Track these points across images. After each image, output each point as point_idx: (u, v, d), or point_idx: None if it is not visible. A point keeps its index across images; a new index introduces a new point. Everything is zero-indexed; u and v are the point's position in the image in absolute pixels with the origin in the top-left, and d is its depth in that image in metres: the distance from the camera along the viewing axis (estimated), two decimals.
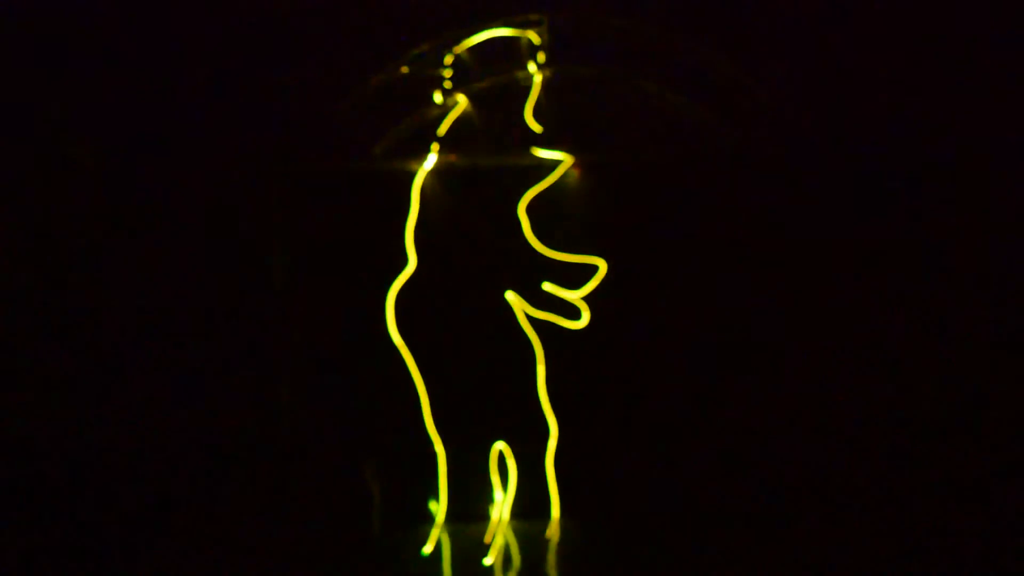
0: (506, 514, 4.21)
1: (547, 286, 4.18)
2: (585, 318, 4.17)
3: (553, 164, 4.23)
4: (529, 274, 4.19)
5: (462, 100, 4.31)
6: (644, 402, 4.30)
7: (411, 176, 4.22)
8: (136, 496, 4.26)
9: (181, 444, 4.32)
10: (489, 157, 4.27)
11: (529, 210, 4.21)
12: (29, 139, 4.45)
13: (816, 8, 4.44)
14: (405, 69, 4.34)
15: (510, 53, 4.32)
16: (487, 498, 4.22)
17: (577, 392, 4.23)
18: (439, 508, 4.20)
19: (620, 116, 4.32)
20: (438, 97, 4.30)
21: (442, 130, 4.27)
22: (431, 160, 4.23)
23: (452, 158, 4.26)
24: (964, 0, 4.43)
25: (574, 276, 4.17)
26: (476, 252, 4.25)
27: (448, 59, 4.29)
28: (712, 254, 4.30)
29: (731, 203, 4.30)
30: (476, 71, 4.32)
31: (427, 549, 3.99)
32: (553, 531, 4.15)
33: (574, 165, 4.25)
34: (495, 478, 4.21)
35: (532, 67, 4.29)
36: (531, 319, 4.19)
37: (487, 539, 4.04)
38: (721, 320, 4.31)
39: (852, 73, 4.40)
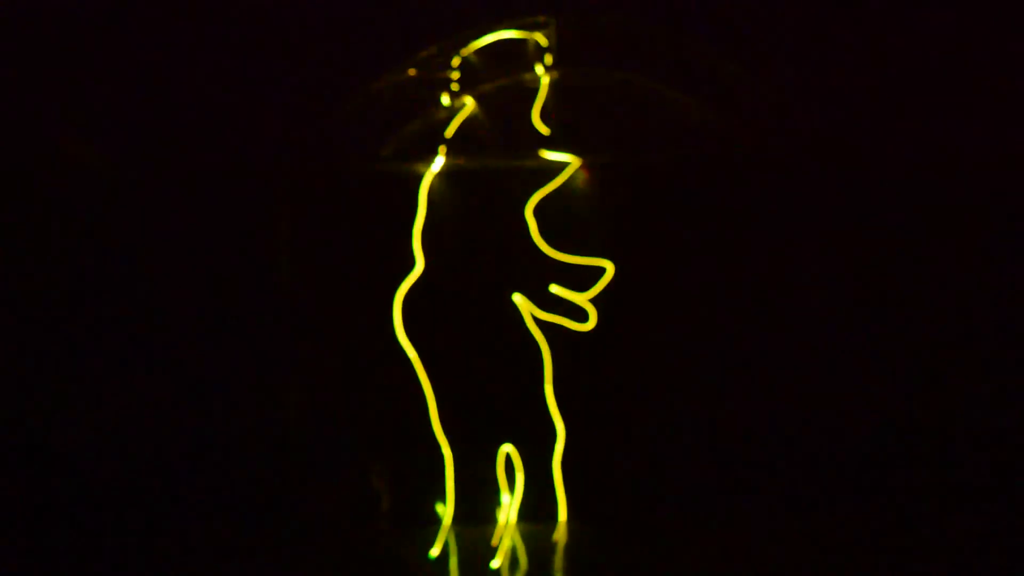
0: (513, 517, 4.20)
1: (554, 288, 4.18)
2: (592, 320, 4.16)
3: (561, 166, 4.23)
4: (536, 276, 4.18)
5: (469, 102, 4.31)
6: (652, 404, 4.29)
7: (418, 178, 4.22)
8: (139, 496, 4.26)
9: (189, 447, 4.32)
10: (496, 159, 4.27)
11: (536, 212, 4.21)
12: (29, 139, 4.44)
13: (822, 9, 4.46)
14: (412, 71, 4.34)
15: (518, 55, 4.32)
16: (494, 501, 4.21)
17: (585, 394, 4.22)
18: (446, 510, 4.19)
19: (627, 118, 4.32)
20: (445, 99, 4.30)
21: (449, 132, 4.26)
22: (438, 162, 4.22)
23: (460, 160, 4.25)
24: (967, 1, 4.46)
25: (582, 278, 4.16)
26: (483, 254, 4.25)
27: (455, 61, 4.29)
28: (720, 255, 4.29)
29: (739, 204, 4.30)
30: (483, 73, 4.32)
31: (434, 551, 3.98)
32: (560, 534, 4.14)
33: (582, 167, 4.25)
34: (502, 480, 4.21)
35: (540, 69, 4.29)
36: (538, 321, 4.18)
37: (494, 542, 4.03)
38: (729, 321, 4.30)
39: (858, 73, 4.41)
